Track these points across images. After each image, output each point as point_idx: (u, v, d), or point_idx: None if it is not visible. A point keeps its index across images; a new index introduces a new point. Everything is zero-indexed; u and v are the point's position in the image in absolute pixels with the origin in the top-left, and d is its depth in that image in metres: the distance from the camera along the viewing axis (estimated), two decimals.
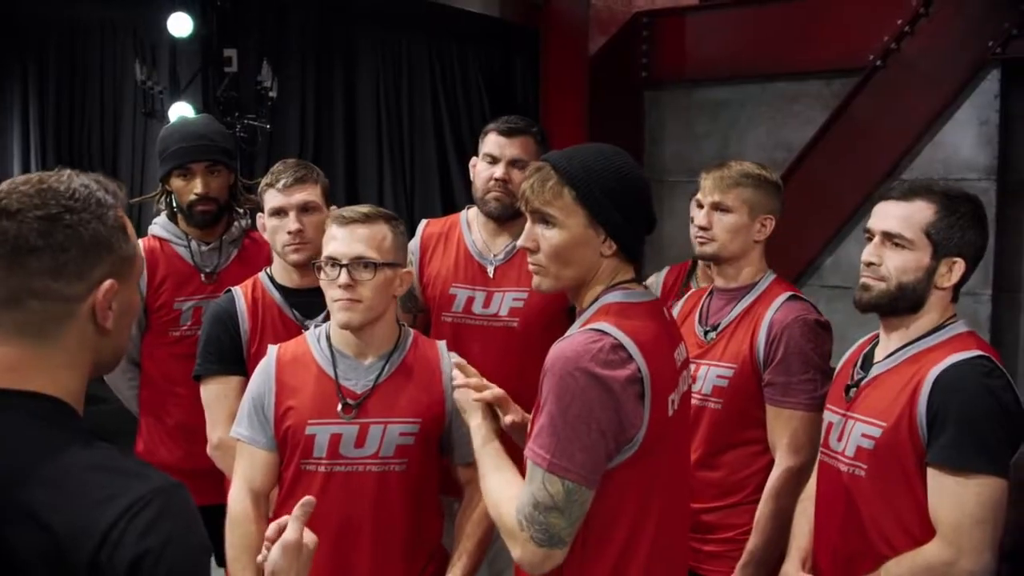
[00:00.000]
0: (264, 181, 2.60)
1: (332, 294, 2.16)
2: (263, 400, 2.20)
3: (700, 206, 2.53)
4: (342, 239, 2.16)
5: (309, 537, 1.60)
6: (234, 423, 2.25)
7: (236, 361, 2.50)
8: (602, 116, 6.44)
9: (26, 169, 9.36)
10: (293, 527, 1.57)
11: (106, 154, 7.98)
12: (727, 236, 2.48)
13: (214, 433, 2.50)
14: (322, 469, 2.16)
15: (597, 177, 1.76)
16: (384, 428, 2.17)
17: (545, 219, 1.78)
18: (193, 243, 2.89)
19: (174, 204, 2.89)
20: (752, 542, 2.38)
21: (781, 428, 2.39)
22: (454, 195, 8.13)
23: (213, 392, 2.52)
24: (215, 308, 2.59)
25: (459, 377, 1.96)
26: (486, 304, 2.85)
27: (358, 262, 2.14)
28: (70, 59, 8.32)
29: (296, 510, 1.59)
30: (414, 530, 2.21)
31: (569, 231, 1.76)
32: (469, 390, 1.93)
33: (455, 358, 2.28)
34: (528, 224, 1.82)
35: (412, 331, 2.33)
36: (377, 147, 8.10)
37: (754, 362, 2.41)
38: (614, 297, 1.78)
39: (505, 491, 1.74)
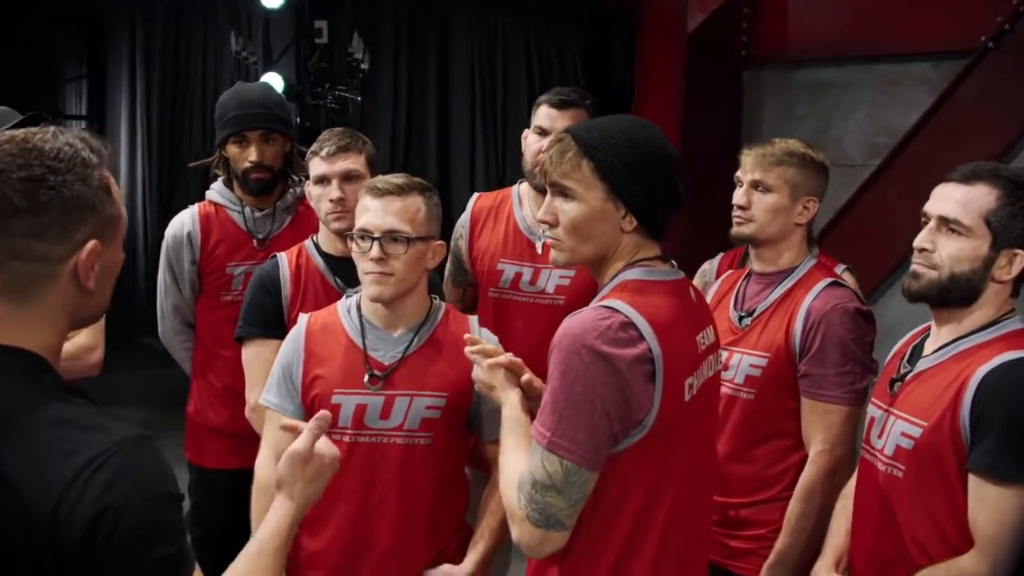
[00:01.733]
0: (310, 149, 2.59)
1: (364, 266, 2.14)
2: (292, 368, 2.20)
3: (739, 184, 2.40)
4: (375, 211, 2.13)
5: (328, 451, 1.60)
6: (264, 390, 2.25)
7: (276, 325, 2.51)
8: (699, 96, 6.29)
9: (132, 136, 9.70)
10: (303, 438, 1.58)
11: (207, 123, 8.19)
12: (766, 217, 2.36)
13: (251, 395, 2.52)
14: (347, 439, 2.14)
15: (617, 149, 1.68)
16: (410, 401, 2.14)
17: (563, 192, 1.71)
18: (247, 209, 2.91)
19: (230, 170, 2.90)
20: (781, 541, 2.26)
21: (816, 422, 2.26)
22: None
23: (252, 355, 2.54)
24: (259, 273, 2.61)
25: (477, 358, 1.89)
26: (533, 280, 2.80)
27: (391, 236, 2.11)
28: (175, 30, 8.57)
29: (311, 421, 1.60)
30: (438, 504, 2.18)
31: (587, 204, 1.69)
32: (498, 369, 1.86)
33: (480, 333, 2.24)
34: (548, 197, 1.76)
35: (444, 304, 2.29)
36: (470, 122, 8.08)
37: (789, 352, 2.29)
38: (633, 274, 1.71)
39: (515, 468, 1.68)
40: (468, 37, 8.03)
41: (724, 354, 2.38)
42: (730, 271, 2.72)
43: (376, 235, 2.11)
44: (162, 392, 3.21)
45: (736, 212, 2.40)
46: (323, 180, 2.53)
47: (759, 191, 2.37)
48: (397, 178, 2.18)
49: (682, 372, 1.65)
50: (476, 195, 3.00)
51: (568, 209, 1.71)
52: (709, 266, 3.18)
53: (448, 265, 2.97)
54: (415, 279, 2.16)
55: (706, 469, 1.81)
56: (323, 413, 1.64)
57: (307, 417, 2.16)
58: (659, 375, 1.60)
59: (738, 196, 2.40)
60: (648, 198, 1.69)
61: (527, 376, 1.84)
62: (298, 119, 6.82)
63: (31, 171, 1.21)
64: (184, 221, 2.91)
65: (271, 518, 1.55)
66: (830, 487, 2.21)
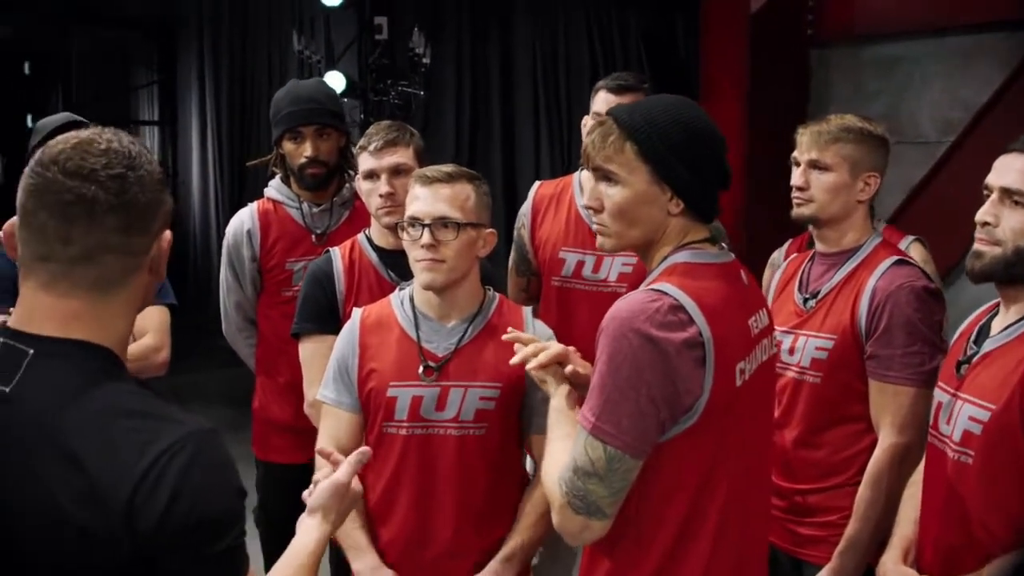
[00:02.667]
0: (359, 144, 2.60)
1: (415, 254, 2.13)
2: (347, 362, 2.20)
3: (796, 164, 2.34)
4: (425, 199, 2.13)
5: (358, 484, 1.64)
6: (321, 385, 2.26)
7: (331, 321, 2.51)
8: (764, 76, 6.19)
9: (203, 139, 9.90)
10: (345, 469, 1.61)
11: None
12: (826, 196, 2.29)
13: (309, 391, 2.53)
14: (403, 432, 2.14)
15: (661, 130, 1.64)
16: (464, 392, 2.13)
17: (607, 176, 1.68)
18: (305, 205, 2.93)
19: (287, 167, 2.93)
20: (851, 528, 2.19)
21: (884, 405, 2.19)
22: None
23: (309, 351, 2.55)
24: (313, 268, 2.62)
25: (523, 352, 1.87)
26: (595, 269, 2.77)
27: (440, 222, 2.11)
28: (241, 33, 8.72)
29: (352, 456, 1.64)
30: (494, 495, 2.17)
31: (632, 188, 1.66)
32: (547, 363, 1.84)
33: (534, 325, 2.22)
34: (592, 182, 1.72)
35: (497, 295, 2.27)
36: (534, 112, 8.03)
37: (856, 333, 2.22)
38: (681, 257, 1.67)
39: (558, 457, 1.66)
40: (529, 26, 7.99)
41: (789, 338, 2.33)
42: (795, 254, 2.66)
43: (426, 222, 2.11)
44: (245, 390, 3.26)
45: (795, 193, 2.34)
46: (372, 175, 2.53)
47: (817, 170, 2.30)
48: (446, 167, 2.18)
49: (734, 356, 1.61)
50: (538, 183, 2.98)
51: (613, 194, 1.67)
52: (777, 255, 3.12)
53: (512, 254, 2.97)
54: (466, 266, 2.15)
55: (762, 456, 1.76)
56: (365, 450, 1.66)
57: (364, 410, 2.19)
58: (710, 359, 1.56)
59: (796, 177, 2.33)
60: (694, 179, 1.65)
61: (570, 367, 1.81)
62: (361, 116, 6.87)
63: (116, 169, 1.26)
64: (244, 218, 2.94)
65: (308, 537, 1.58)
66: (899, 472, 2.14)
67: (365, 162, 2.56)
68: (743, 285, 1.73)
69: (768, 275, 3.00)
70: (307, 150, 2.85)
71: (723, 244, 1.77)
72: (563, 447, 1.67)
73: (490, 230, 2.19)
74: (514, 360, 1.86)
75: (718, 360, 1.57)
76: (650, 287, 1.61)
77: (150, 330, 2.75)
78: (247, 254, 2.92)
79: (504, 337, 1.93)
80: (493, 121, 8.04)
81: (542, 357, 1.81)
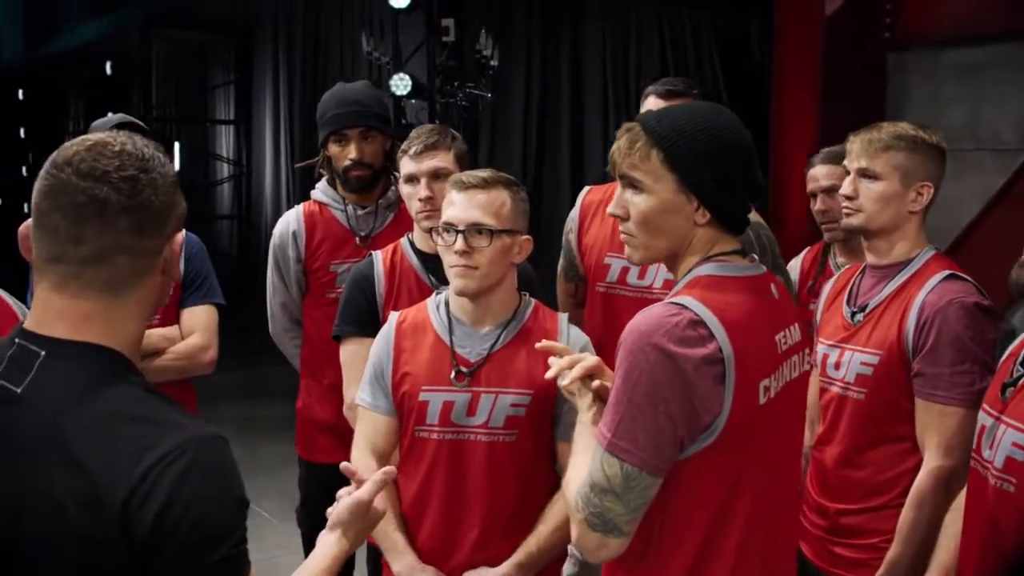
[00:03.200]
0: (401, 147, 2.59)
1: (449, 260, 2.12)
2: (382, 366, 2.20)
3: (847, 172, 2.26)
4: (459, 204, 2.11)
5: (381, 503, 1.62)
6: (358, 388, 2.25)
7: (371, 323, 2.51)
8: (839, 80, 6.06)
9: (276, 138, 10.08)
10: (367, 488, 1.60)
11: None
12: (875, 206, 2.20)
13: (348, 394, 2.53)
14: (434, 436, 2.13)
15: (688, 138, 1.59)
16: (495, 398, 2.11)
17: (633, 184, 1.63)
18: (350, 207, 2.94)
19: (333, 169, 2.94)
20: (892, 551, 2.11)
21: (930, 425, 2.10)
22: None
23: (349, 353, 2.55)
24: (354, 271, 2.62)
25: (558, 366, 1.83)
26: (641, 275, 2.73)
27: (475, 228, 2.09)
28: (314, 34, 8.84)
29: (376, 474, 1.62)
30: (523, 502, 2.14)
31: (657, 197, 1.61)
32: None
33: (569, 332, 2.18)
34: (618, 189, 1.68)
35: (533, 301, 2.25)
36: (603, 114, 7.97)
37: (902, 349, 2.13)
38: (706, 269, 1.62)
39: (580, 471, 1.62)
40: (600, 28, 7.93)
41: (835, 352, 2.26)
42: (848, 266, 2.57)
43: (460, 228, 2.09)
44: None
45: (844, 202, 2.26)
46: (412, 179, 2.53)
47: (866, 179, 2.22)
48: (483, 172, 2.16)
49: (756, 373, 1.55)
50: (587, 188, 2.94)
51: (638, 202, 1.63)
52: (795, 261, 3.03)
53: (561, 260, 2.95)
54: (500, 273, 2.13)
55: (788, 475, 1.70)
56: (389, 469, 1.65)
57: (399, 413, 2.18)
58: (730, 377, 1.51)
59: (845, 185, 2.25)
60: (722, 189, 1.60)
61: (597, 382, 1.77)
62: (427, 117, 6.90)
63: (129, 171, 1.27)
64: (289, 220, 2.96)
65: (324, 552, 1.58)
66: (943, 496, 2.05)
67: (406, 166, 2.56)
68: (772, 299, 1.67)
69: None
70: (351, 152, 2.86)
71: (754, 256, 1.71)
72: (585, 461, 1.63)
73: (525, 237, 2.17)
74: (549, 374, 1.83)
75: (739, 377, 1.52)
76: (670, 300, 1.57)
77: (198, 329, 2.79)
78: (292, 255, 2.94)
79: (537, 346, 1.89)
80: (561, 124, 8.00)
81: (575, 372, 1.76)
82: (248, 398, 7.33)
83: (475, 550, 2.12)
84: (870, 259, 2.29)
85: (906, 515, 2.10)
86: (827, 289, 2.43)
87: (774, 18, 6.82)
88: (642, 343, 1.50)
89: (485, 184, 2.12)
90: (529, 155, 7.89)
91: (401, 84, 6.37)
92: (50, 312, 1.27)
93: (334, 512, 1.60)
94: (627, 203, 1.65)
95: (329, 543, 1.58)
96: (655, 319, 1.52)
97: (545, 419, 2.15)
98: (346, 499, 1.60)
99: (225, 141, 12.41)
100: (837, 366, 2.25)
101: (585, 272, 2.85)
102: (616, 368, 1.55)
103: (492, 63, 7.04)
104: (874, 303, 2.23)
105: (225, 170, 12.32)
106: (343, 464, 1.92)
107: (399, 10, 6.65)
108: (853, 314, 2.27)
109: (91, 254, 1.26)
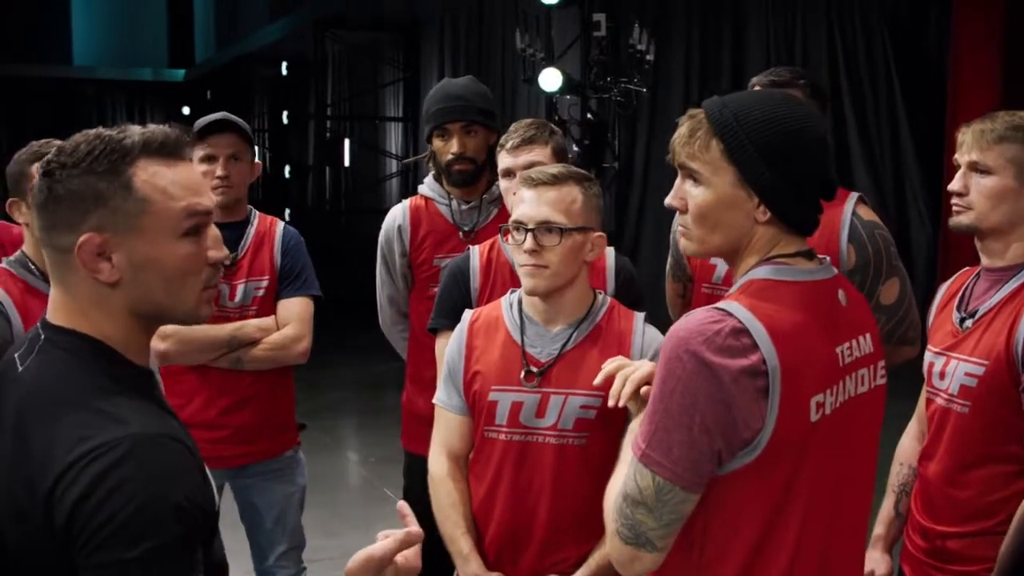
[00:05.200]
0: (500, 141, 2.57)
1: (519, 259, 2.08)
2: (456, 364, 2.18)
3: (958, 166, 2.06)
4: (529, 202, 2.07)
5: (412, 563, 1.42)
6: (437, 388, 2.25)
7: None
8: (1021, 73, 5.66)
9: None
10: (385, 544, 1.40)
11: (504, 120, 8.48)
12: (987, 203, 2.00)
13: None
14: (503, 437, 2.10)
15: (751, 129, 1.47)
16: (565, 399, 2.06)
17: (692, 175, 1.54)
18: (454, 202, 2.94)
19: (437, 164, 2.95)
20: None
21: None
22: (851, 168, 7.53)
23: (442, 347, 2.54)
24: (451, 265, 2.62)
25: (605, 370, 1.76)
26: None
27: (544, 226, 2.04)
28: (477, 32, 8.96)
29: (399, 533, 1.43)
30: (591, 510, 2.05)
31: (715, 190, 1.50)
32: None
33: (645, 332, 2.11)
34: (678, 179, 1.59)
35: (609, 299, 2.18)
36: None
37: (1011, 359, 1.93)
38: (761, 273, 1.50)
39: (621, 480, 1.55)
40: (763, 18, 7.67)
41: (941, 360, 2.08)
42: (966, 268, 2.37)
43: (530, 226, 2.04)
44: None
45: (953, 200, 2.07)
46: (509, 173, 2.50)
47: (977, 173, 2.02)
48: (553, 168, 2.10)
49: (808, 388, 1.43)
50: None
51: (696, 194, 1.53)
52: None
53: (668, 259, 2.86)
54: (572, 272, 2.07)
55: (851, 503, 1.55)
56: (416, 530, 1.43)
57: (472, 413, 2.16)
58: (775, 390, 1.39)
59: (955, 181, 2.06)
60: (784, 185, 1.48)
61: (645, 388, 1.68)
62: (579, 113, 6.86)
63: (47, 166, 1.28)
64: (396, 215, 2.99)
65: None
66: None
67: (503, 160, 2.54)
68: (837, 307, 1.54)
69: None
70: (453, 147, 2.86)
71: (824, 258, 1.58)
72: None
73: (598, 234, 2.10)
74: (596, 381, 1.77)
75: (785, 391, 1.40)
76: (716, 305, 1.47)
77: (292, 321, 2.86)
78: (398, 249, 2.96)
79: (595, 382, 1.81)
80: None
81: (627, 390, 1.68)
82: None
83: (541, 555, 2.07)
84: (984, 261, 2.09)
85: (1007, 543, 1.90)
86: (941, 292, 2.24)
87: (951, 5, 6.46)
88: (679, 350, 1.41)
89: (555, 180, 2.06)
90: None
91: (551, 80, 6.34)
92: (52, 300, 1.33)
93: (350, 562, 1.42)
94: (685, 194, 1.55)
95: None
96: (695, 325, 1.43)
97: (617, 422, 2.07)
98: (360, 552, 1.41)
99: (394, 137, 12.76)
100: (942, 375, 2.06)
101: (692, 272, 2.76)
102: (656, 375, 1.47)
103: (648, 58, 6.91)
104: (984, 308, 2.03)
105: (393, 165, 12.68)
106: (400, 504, 1.64)
107: (550, 6, 6.62)
108: (962, 320, 2.08)
109: (42, 248, 1.32)
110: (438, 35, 9.95)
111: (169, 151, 1.31)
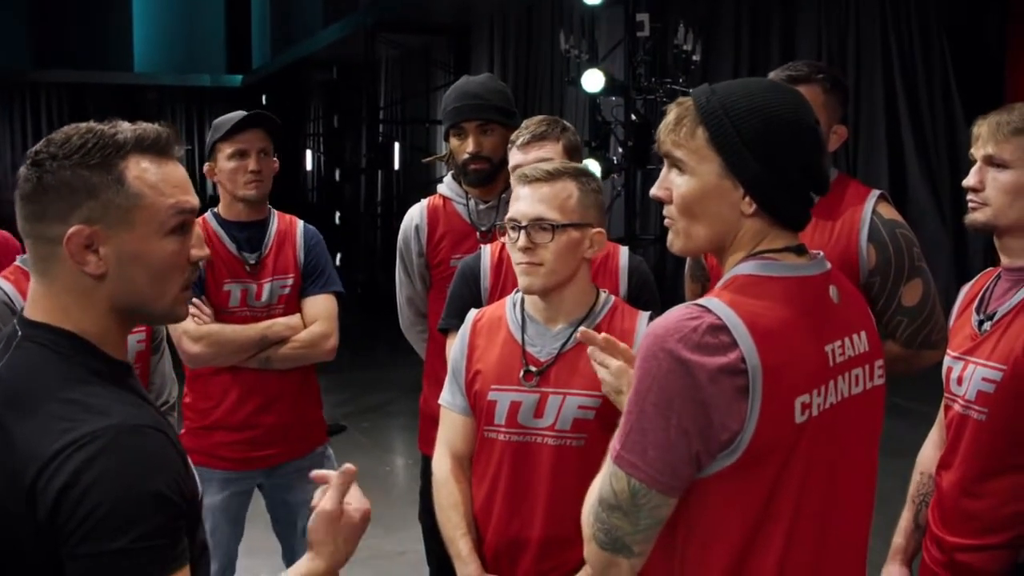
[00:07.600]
0: (511, 138, 2.53)
1: (514, 257, 2.05)
2: (459, 364, 2.16)
3: (973, 161, 1.97)
4: (524, 199, 2.04)
5: (359, 506, 1.48)
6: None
7: None
8: None
9: None
10: (331, 495, 1.46)
11: None
12: (1004, 199, 1.91)
13: None
14: (502, 437, 2.07)
15: (736, 117, 1.42)
16: (563, 399, 2.02)
17: (676, 164, 1.48)
18: (472, 202, 2.91)
19: (454, 163, 2.93)
20: None
21: None
22: (905, 170, 7.34)
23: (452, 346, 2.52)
24: (463, 264, 2.60)
25: (603, 357, 1.72)
26: None
27: (537, 223, 2.00)
28: (526, 35, 8.94)
29: (335, 478, 1.48)
30: None
31: (699, 180, 1.45)
32: (626, 371, 1.69)
33: (586, 331, 2.05)
34: (664, 169, 1.53)
35: (613, 298, 2.13)
36: None
37: None
38: (745, 268, 1.44)
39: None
40: (815, 17, 7.52)
41: (959, 365, 1.99)
42: (988, 268, 2.27)
43: (523, 223, 2.01)
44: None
45: (968, 195, 1.98)
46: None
47: (993, 168, 1.93)
48: (548, 164, 2.07)
49: (792, 388, 1.37)
50: None
51: (679, 184, 1.47)
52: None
53: (688, 259, 2.79)
54: (569, 269, 2.03)
55: (846, 509, 1.48)
56: (347, 468, 1.47)
57: (474, 413, 2.13)
58: (755, 390, 1.34)
59: (970, 176, 1.98)
60: (770, 177, 1.42)
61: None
62: (623, 114, 6.79)
63: (37, 157, 1.28)
64: (414, 215, 2.97)
65: (296, 572, 1.44)
66: None
67: (513, 156, 2.52)
68: (829, 304, 1.47)
69: None
70: (469, 146, 2.83)
71: (817, 253, 1.51)
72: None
73: (597, 230, 2.05)
74: (590, 351, 1.73)
75: (767, 391, 1.34)
76: (695, 302, 1.41)
77: (319, 318, 2.87)
78: (415, 249, 2.94)
79: (577, 335, 1.78)
80: None
81: (599, 338, 1.65)
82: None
83: (540, 558, 2.04)
84: (1004, 261, 2.00)
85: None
86: (963, 293, 2.14)
87: (1007, 3, 6.27)
88: (655, 348, 1.36)
89: (550, 176, 2.03)
90: None
91: (593, 81, 6.28)
92: (31, 295, 1.33)
93: (308, 528, 1.46)
94: (670, 184, 1.50)
95: (300, 564, 1.46)
96: (672, 322, 1.37)
97: (616, 423, 2.03)
98: (313, 514, 1.45)
99: (443, 140, 12.75)
100: (960, 381, 1.98)
101: (710, 272, 2.69)
102: (633, 375, 1.42)
103: (695, 58, 6.82)
104: (1003, 310, 1.94)
105: (444, 168, 12.63)
106: (313, 472, 1.65)
107: (592, 7, 6.57)
108: (981, 323, 1.99)
109: (23, 235, 1.32)
110: (488, 38, 9.96)
111: (160, 149, 1.33)
